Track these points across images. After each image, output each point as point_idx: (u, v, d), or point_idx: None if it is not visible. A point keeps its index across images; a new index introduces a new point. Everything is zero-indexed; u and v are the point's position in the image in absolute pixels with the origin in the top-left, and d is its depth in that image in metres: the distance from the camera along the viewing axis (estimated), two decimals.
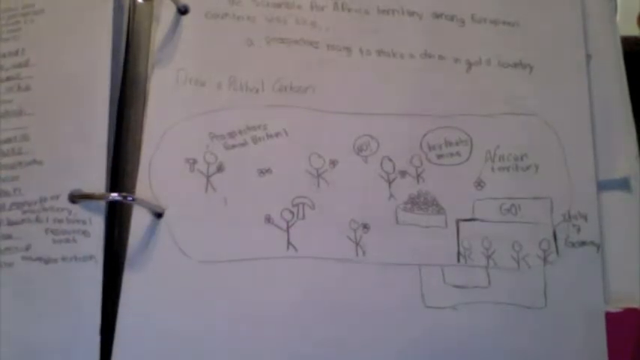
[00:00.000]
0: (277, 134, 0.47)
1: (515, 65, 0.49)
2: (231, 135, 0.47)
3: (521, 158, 0.47)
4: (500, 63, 0.49)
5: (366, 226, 0.45)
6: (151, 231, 0.45)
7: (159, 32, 0.49)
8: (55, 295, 0.44)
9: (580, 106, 0.48)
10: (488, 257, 0.45)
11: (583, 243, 0.45)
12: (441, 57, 0.49)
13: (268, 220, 0.45)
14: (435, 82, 0.48)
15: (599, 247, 0.45)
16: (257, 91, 0.47)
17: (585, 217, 0.46)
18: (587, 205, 0.46)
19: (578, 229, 0.46)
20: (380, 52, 0.49)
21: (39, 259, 0.44)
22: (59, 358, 0.43)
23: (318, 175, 0.46)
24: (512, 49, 0.49)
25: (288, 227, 0.45)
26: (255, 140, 0.47)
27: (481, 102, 0.48)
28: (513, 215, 0.46)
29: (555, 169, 0.47)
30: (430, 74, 0.48)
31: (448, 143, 0.47)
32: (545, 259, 0.45)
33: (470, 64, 0.49)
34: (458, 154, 0.47)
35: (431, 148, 0.47)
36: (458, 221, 0.46)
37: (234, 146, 0.46)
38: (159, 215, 0.45)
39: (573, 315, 0.44)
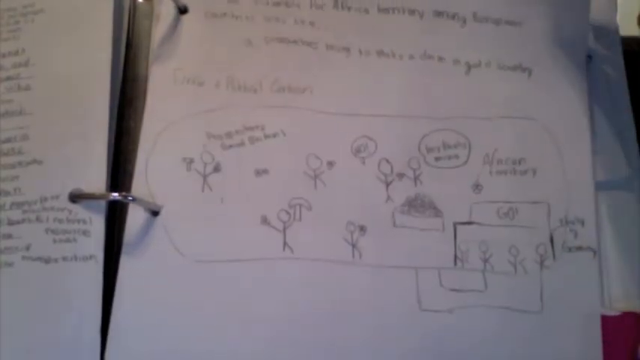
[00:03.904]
0: (275, 135, 0.47)
1: (514, 68, 0.48)
2: (229, 135, 0.47)
3: (519, 162, 0.47)
4: (499, 66, 0.48)
5: (362, 228, 0.45)
6: (147, 229, 0.45)
7: (158, 31, 0.49)
8: (56, 295, 0.44)
9: (579, 110, 0.48)
10: (485, 261, 0.45)
11: (580, 248, 0.45)
12: (440, 58, 0.48)
13: (264, 220, 0.45)
14: (435, 84, 0.48)
15: (595, 252, 0.45)
16: (255, 91, 0.47)
17: (582, 222, 0.45)
18: (584, 209, 0.46)
19: (575, 234, 0.45)
20: (379, 53, 0.48)
21: (39, 258, 0.45)
22: (59, 358, 0.43)
23: (316, 177, 0.46)
24: (512, 51, 0.49)
25: (284, 228, 0.45)
26: (253, 141, 0.47)
27: (480, 105, 0.48)
28: (510, 219, 0.46)
29: (553, 174, 0.46)
30: (429, 76, 0.48)
31: (446, 146, 0.47)
32: (541, 264, 0.45)
33: (469, 67, 0.48)
34: (456, 156, 0.47)
35: (429, 150, 0.47)
36: (455, 224, 0.45)
37: (231, 146, 0.46)
38: (155, 213, 0.45)
39: (569, 319, 0.44)
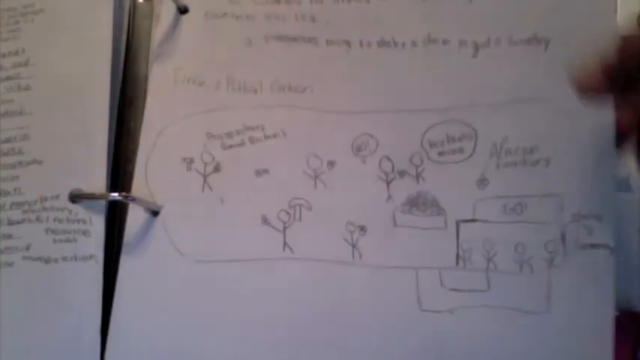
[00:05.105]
0: (275, 135, 0.46)
1: (528, 41, 0.44)
2: (229, 135, 0.46)
3: (531, 151, 0.44)
4: (510, 41, 0.45)
5: (362, 229, 0.44)
6: (147, 229, 0.45)
7: (158, 31, 0.49)
8: (55, 295, 0.44)
9: None
10: (489, 260, 0.43)
11: (594, 245, 0.42)
12: (445, 41, 0.46)
13: (265, 220, 0.45)
14: (438, 72, 0.45)
15: (612, 250, 0.42)
16: (255, 91, 0.47)
17: (599, 218, 0.42)
18: (601, 203, 0.42)
19: (590, 231, 0.42)
20: (380, 43, 0.46)
21: (39, 258, 0.45)
22: (59, 358, 0.44)
23: (316, 177, 0.45)
24: (525, 22, 0.45)
25: (284, 228, 0.45)
26: (253, 141, 0.46)
27: (488, 90, 0.45)
28: (518, 215, 0.43)
29: (568, 163, 0.43)
30: (433, 63, 0.46)
31: (450, 139, 0.45)
32: (550, 262, 0.42)
33: (477, 47, 0.45)
34: (461, 150, 0.44)
35: (432, 145, 0.45)
36: (458, 222, 0.44)
37: (231, 146, 0.46)
38: (155, 213, 0.45)
39: (578, 321, 0.41)
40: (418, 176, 0.45)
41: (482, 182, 0.44)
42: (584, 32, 0.44)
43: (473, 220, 0.44)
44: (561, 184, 0.43)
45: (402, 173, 0.45)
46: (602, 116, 0.42)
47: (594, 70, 0.38)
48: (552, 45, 0.44)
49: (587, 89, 0.38)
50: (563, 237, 0.43)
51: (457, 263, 0.43)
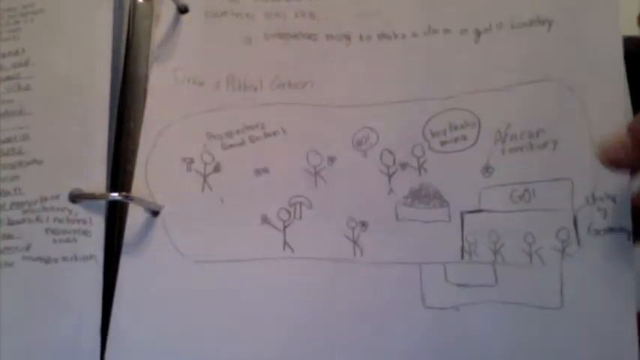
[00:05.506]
0: (275, 133, 0.46)
1: (530, 23, 0.44)
2: (229, 135, 0.46)
3: (537, 134, 0.42)
4: (513, 24, 0.44)
5: (364, 224, 0.43)
6: (147, 229, 0.45)
7: (158, 31, 0.48)
8: (55, 295, 0.44)
9: (611, 62, 0.41)
10: (496, 252, 0.41)
11: (610, 230, 0.39)
12: (446, 30, 0.45)
13: (265, 220, 0.44)
14: (439, 62, 0.45)
15: (630, 233, 0.39)
16: (255, 89, 0.46)
17: (613, 199, 0.40)
18: (614, 183, 0.39)
19: (605, 214, 0.40)
20: (381, 36, 0.46)
21: (39, 258, 0.45)
22: (59, 358, 0.43)
23: (316, 174, 0.45)
24: (526, 4, 0.44)
25: (284, 227, 0.44)
26: (253, 140, 0.46)
27: (491, 75, 0.43)
28: (526, 202, 0.41)
29: (577, 143, 0.41)
30: (434, 53, 0.45)
31: (453, 127, 0.43)
32: (563, 252, 0.40)
33: (478, 33, 0.44)
34: (464, 138, 0.43)
35: (434, 134, 0.44)
36: (462, 214, 0.42)
37: (231, 146, 0.46)
38: (155, 213, 0.45)
39: (595, 317, 0.39)
40: (420, 168, 0.44)
41: (487, 170, 0.43)
42: (587, 9, 0.43)
43: (478, 211, 0.42)
44: (571, 166, 0.41)
45: (404, 165, 0.44)
46: (613, 88, 0.41)
47: (620, 141, 0.37)
48: (556, 24, 0.43)
49: (613, 161, 0.38)
50: (575, 223, 0.40)
51: (462, 257, 0.42)
